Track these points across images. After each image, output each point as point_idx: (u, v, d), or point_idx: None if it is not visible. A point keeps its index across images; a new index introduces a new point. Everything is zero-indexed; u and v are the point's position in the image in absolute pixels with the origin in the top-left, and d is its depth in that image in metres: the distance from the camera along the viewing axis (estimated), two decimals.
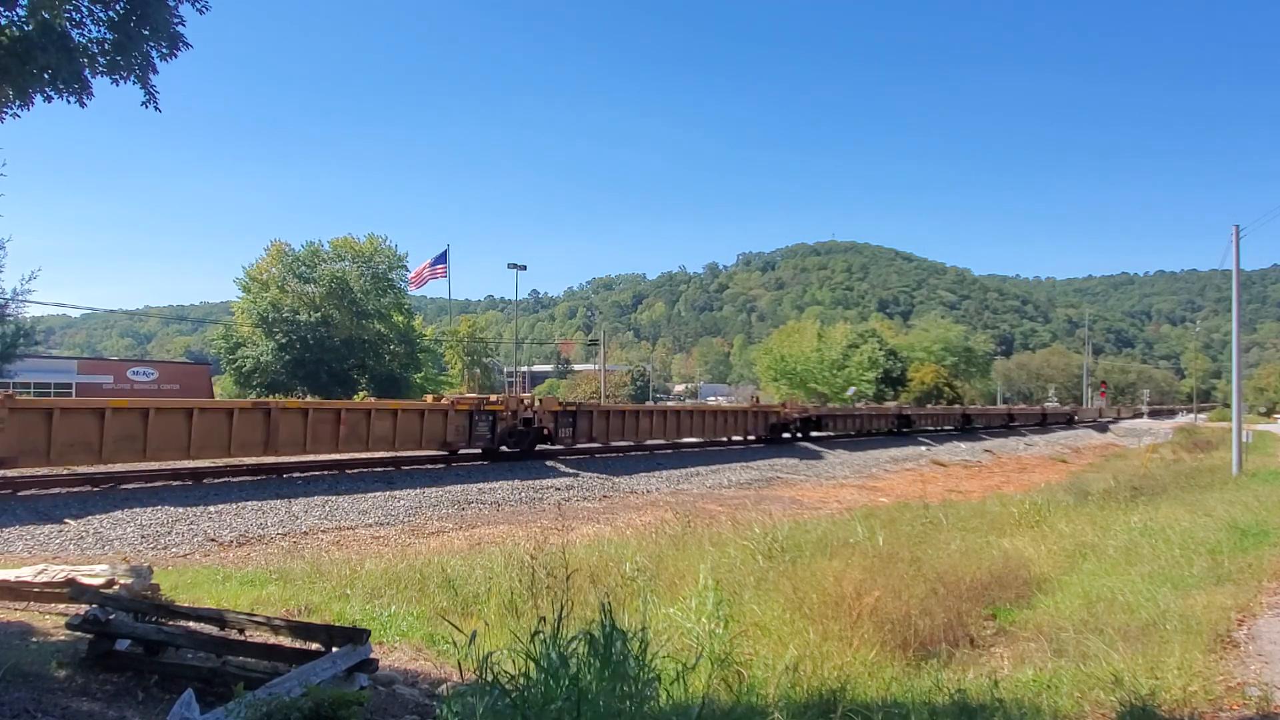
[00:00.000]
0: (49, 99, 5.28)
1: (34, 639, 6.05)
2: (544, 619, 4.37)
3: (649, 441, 27.99)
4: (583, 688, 3.73)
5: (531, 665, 3.90)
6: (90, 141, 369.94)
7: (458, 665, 5.46)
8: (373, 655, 5.53)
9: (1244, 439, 27.78)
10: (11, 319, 6.02)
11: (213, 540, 13.00)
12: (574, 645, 4.05)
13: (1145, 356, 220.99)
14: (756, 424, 33.10)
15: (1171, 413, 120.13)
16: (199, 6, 5.53)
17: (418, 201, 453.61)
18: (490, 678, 3.76)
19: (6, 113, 5.17)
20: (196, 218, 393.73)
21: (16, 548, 11.46)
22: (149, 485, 15.89)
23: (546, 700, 3.62)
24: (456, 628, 5.47)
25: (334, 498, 16.31)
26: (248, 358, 45.78)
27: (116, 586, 6.86)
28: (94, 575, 7.09)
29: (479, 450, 22.50)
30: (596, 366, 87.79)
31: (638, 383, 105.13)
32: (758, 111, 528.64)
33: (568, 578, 7.67)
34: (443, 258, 49.77)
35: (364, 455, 19.85)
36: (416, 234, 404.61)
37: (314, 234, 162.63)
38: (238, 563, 11.41)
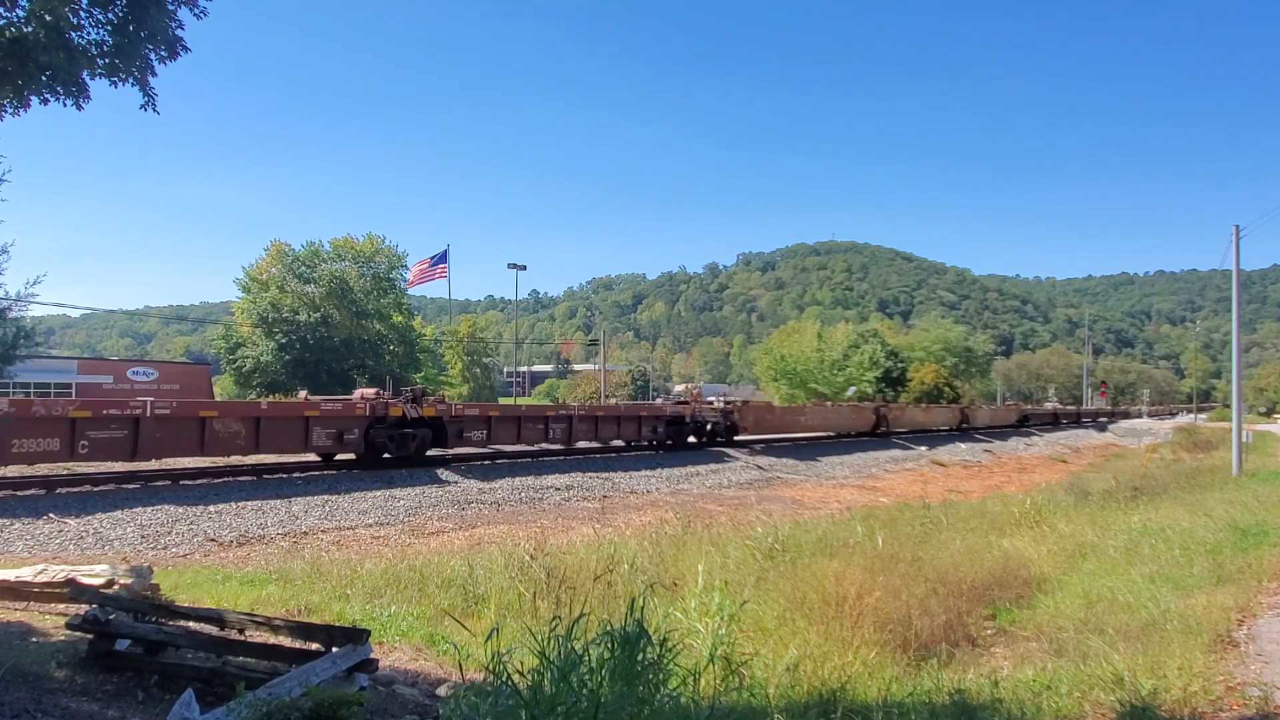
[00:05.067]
0: (45, 101, 5.27)
1: (34, 639, 6.04)
2: (559, 618, 4.35)
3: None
4: (597, 688, 3.72)
5: (541, 664, 3.88)
6: (90, 142, 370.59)
7: (458, 665, 5.46)
8: (373, 655, 5.53)
9: (1244, 439, 27.77)
10: (14, 321, 6.02)
11: (213, 540, 13.00)
12: (586, 645, 4.02)
13: (1145, 356, 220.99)
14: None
15: (1171, 413, 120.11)
16: (196, 12, 5.52)
17: (418, 201, 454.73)
18: (505, 676, 3.75)
19: (5, 112, 5.17)
20: (196, 218, 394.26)
21: (16, 548, 11.46)
22: (149, 485, 15.90)
23: (556, 701, 3.61)
24: (464, 626, 5.47)
25: (334, 497, 16.31)
26: (247, 358, 45.81)
27: (116, 586, 6.86)
28: (94, 575, 7.09)
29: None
30: (596, 366, 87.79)
31: (638, 383, 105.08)
32: (758, 111, 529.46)
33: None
34: (443, 257, 49.78)
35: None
36: (416, 234, 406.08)
37: (314, 234, 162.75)
38: (238, 563, 11.41)
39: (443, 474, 19.76)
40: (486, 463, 22.56)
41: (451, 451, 22.09)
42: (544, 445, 24.91)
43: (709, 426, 30.38)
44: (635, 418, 27.47)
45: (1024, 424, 60.42)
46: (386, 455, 19.87)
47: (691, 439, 29.80)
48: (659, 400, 36.00)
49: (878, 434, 40.64)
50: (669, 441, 28.12)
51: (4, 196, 5.68)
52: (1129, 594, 8.40)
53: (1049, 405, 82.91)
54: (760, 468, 26.85)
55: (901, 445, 38.62)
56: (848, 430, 39.69)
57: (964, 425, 50.62)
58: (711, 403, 32.96)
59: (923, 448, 38.38)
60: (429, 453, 21.15)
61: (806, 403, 52.68)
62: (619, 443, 27.57)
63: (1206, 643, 6.46)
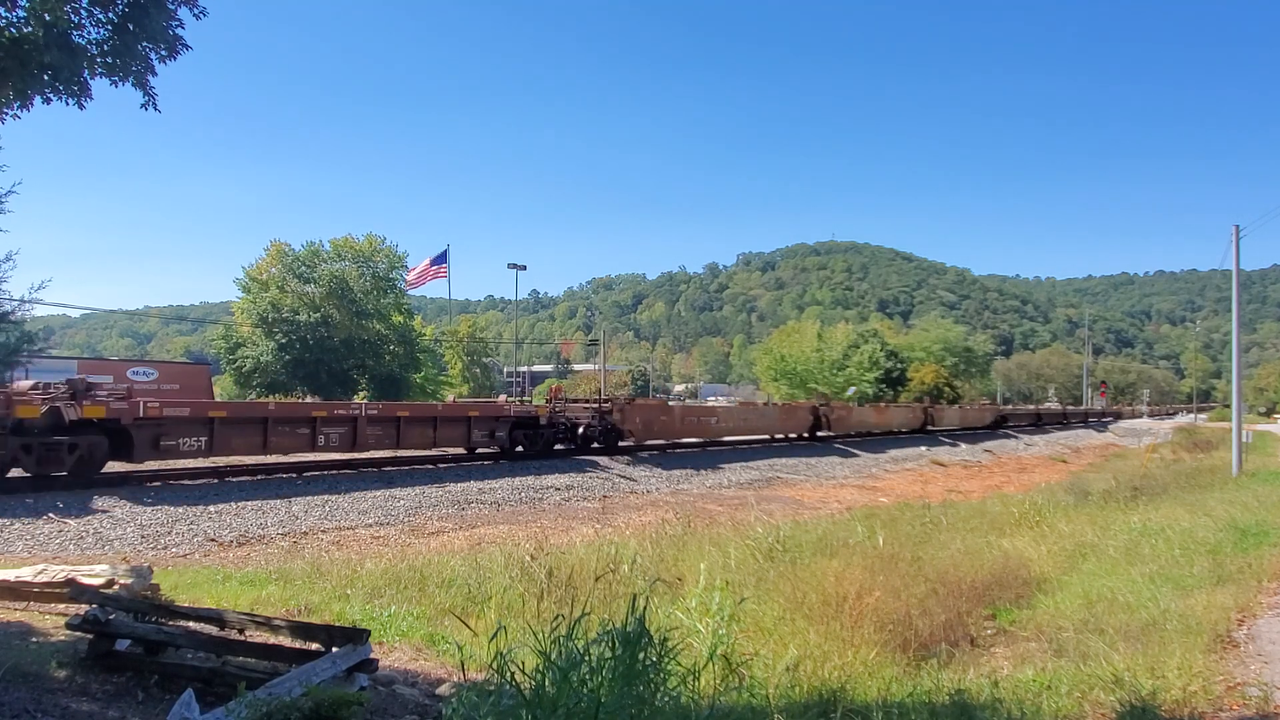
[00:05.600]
0: (48, 100, 5.29)
1: (34, 639, 6.04)
2: (561, 617, 4.35)
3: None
4: (597, 688, 3.72)
5: (542, 664, 3.88)
6: (90, 142, 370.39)
7: (460, 665, 5.46)
8: (373, 655, 5.53)
9: (1244, 439, 27.78)
10: (17, 325, 6.06)
11: (213, 540, 13.01)
12: (589, 645, 4.02)
13: (1145, 356, 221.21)
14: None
15: (1170, 413, 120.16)
16: (196, 11, 5.53)
17: (418, 201, 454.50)
18: (509, 676, 3.75)
19: (6, 114, 5.18)
20: (196, 218, 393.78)
21: (16, 548, 11.46)
22: (148, 485, 15.88)
23: (558, 700, 3.61)
24: (467, 625, 5.47)
25: (334, 497, 16.31)
26: (247, 358, 45.82)
27: (116, 586, 6.86)
28: (94, 575, 7.09)
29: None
30: (596, 366, 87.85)
31: (638, 383, 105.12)
32: (758, 111, 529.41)
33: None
34: (443, 258, 49.81)
35: None
36: (416, 234, 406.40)
37: (314, 234, 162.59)
38: (238, 563, 11.41)
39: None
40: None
41: (154, 467, 16.84)
42: (305, 457, 19.06)
43: (581, 430, 25.49)
44: (461, 419, 21.79)
45: (1001, 426, 55.25)
46: (16, 473, 14.54)
47: (560, 445, 24.88)
48: (500, 398, 31.01)
49: (818, 438, 35.82)
50: (519, 449, 22.95)
51: (10, 209, 5.72)
52: (1129, 594, 8.40)
53: (1031, 405, 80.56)
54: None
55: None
56: (778, 434, 34.87)
57: (928, 427, 45.76)
58: (585, 401, 27.89)
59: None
60: (115, 467, 15.81)
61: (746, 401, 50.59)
62: (457, 450, 22.43)
63: (1206, 643, 6.46)
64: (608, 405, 26.34)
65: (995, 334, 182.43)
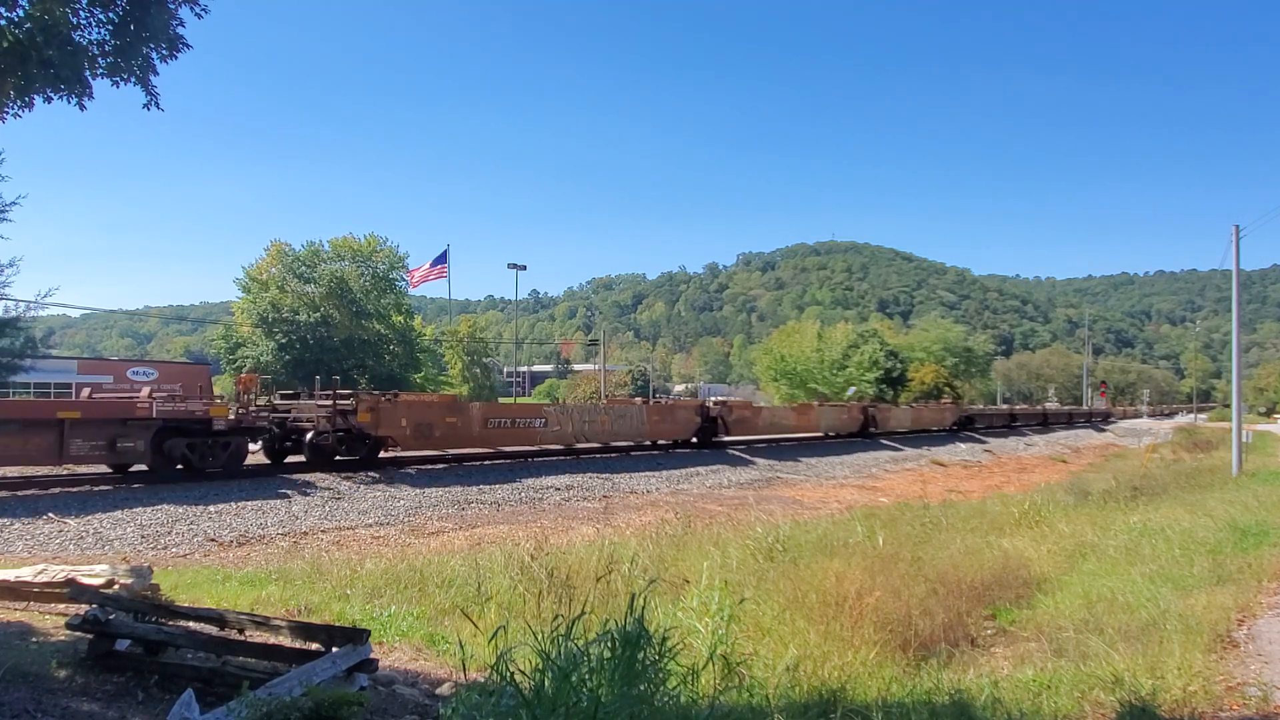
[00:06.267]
0: (49, 99, 5.30)
1: (34, 639, 6.05)
2: (560, 617, 4.35)
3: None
4: (597, 688, 3.72)
5: (542, 664, 3.87)
6: (90, 142, 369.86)
7: (460, 665, 5.45)
8: (373, 655, 5.53)
9: (1244, 439, 27.78)
10: (22, 330, 6.08)
11: (213, 540, 13.01)
12: (588, 645, 4.02)
13: (1145, 356, 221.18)
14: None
15: (1169, 413, 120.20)
16: (197, 11, 5.54)
17: (418, 201, 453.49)
18: (509, 675, 3.75)
19: (7, 114, 5.18)
20: (196, 218, 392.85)
21: (16, 548, 11.46)
22: (149, 485, 15.88)
23: (558, 700, 3.60)
24: (473, 622, 5.47)
25: (334, 498, 16.32)
26: (248, 358, 45.83)
27: (116, 586, 6.86)
28: (94, 575, 7.09)
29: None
30: (596, 366, 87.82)
31: (638, 382, 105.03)
32: (758, 111, 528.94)
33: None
34: (443, 258, 49.77)
35: None
36: (416, 234, 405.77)
37: (314, 234, 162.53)
38: (238, 563, 11.41)
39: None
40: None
41: None
42: None
43: (309, 438, 18.49)
44: (45, 423, 14.54)
45: (964, 429, 48.88)
46: None
47: (294, 458, 18.87)
48: (143, 390, 19.04)
49: (713, 444, 29.26)
50: (179, 466, 16.34)
51: (12, 218, 5.76)
52: (1129, 594, 8.40)
53: (1004, 405, 79.00)
54: (757, 469, 25.80)
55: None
56: (662, 440, 28.03)
57: (870, 430, 38.84)
58: (317, 399, 19.34)
59: (922, 448, 30.62)
60: None
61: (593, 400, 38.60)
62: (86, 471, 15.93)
63: (1206, 643, 6.46)
64: (349, 404, 18.68)
65: (995, 334, 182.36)
